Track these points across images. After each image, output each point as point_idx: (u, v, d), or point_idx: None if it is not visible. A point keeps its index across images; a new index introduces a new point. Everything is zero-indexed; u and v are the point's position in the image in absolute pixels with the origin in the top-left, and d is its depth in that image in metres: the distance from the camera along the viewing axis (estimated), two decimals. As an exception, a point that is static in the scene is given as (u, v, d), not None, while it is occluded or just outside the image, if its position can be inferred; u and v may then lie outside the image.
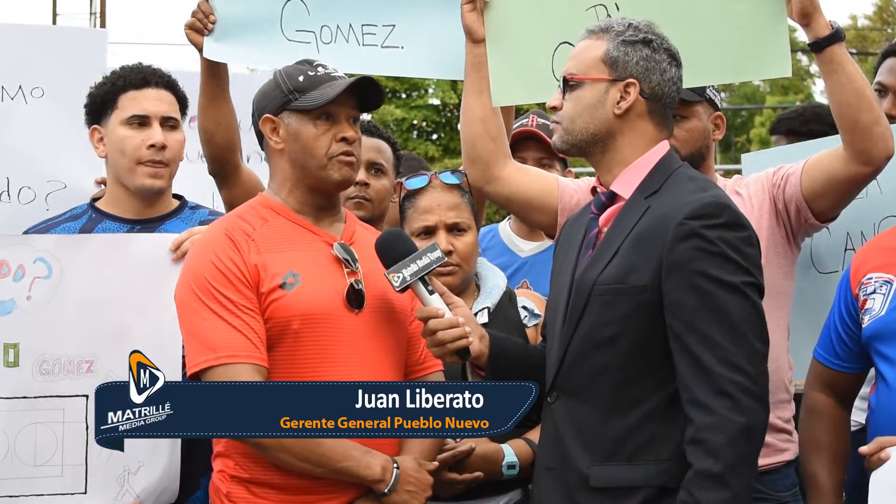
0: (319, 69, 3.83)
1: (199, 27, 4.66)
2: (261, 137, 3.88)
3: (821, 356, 3.94)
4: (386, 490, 3.62)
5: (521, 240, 5.31)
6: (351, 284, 3.74)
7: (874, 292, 3.77)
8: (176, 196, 4.58)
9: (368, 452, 3.63)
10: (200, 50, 4.66)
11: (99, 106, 4.47)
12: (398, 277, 3.62)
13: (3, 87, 5.07)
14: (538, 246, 5.20)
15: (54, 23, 34.75)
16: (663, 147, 3.63)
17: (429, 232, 4.23)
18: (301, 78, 3.80)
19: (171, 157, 4.42)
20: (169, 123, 4.44)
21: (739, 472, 3.28)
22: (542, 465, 3.63)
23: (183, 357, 4.03)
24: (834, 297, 3.97)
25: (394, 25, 4.69)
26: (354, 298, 3.73)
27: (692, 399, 3.33)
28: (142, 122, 4.40)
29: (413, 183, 4.34)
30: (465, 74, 4.45)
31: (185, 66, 5.51)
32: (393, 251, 3.67)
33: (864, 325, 3.77)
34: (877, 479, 3.35)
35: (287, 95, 3.79)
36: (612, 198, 3.61)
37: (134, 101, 4.42)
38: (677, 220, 3.39)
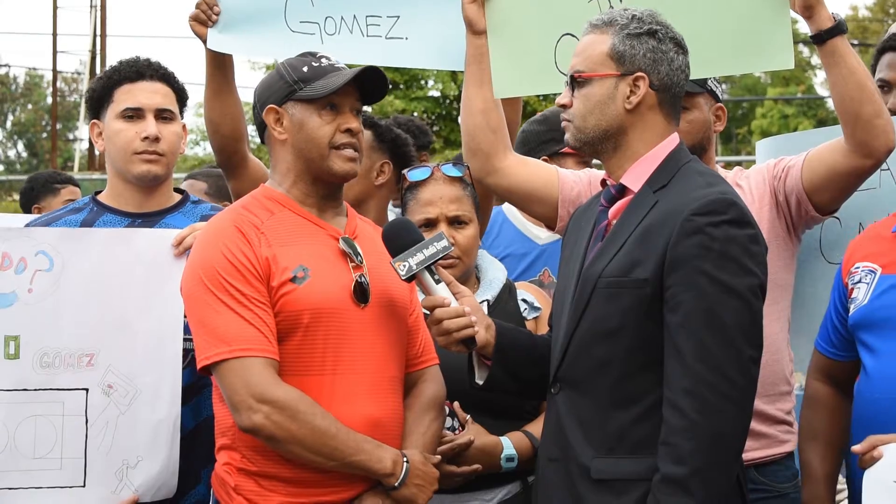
0: (323, 60, 3.83)
1: (203, 18, 4.67)
2: (261, 129, 3.87)
3: (819, 345, 3.98)
4: (396, 484, 3.63)
5: (536, 227, 5.30)
6: (357, 279, 3.74)
7: (860, 281, 3.79)
8: (178, 190, 4.58)
9: (380, 446, 3.64)
10: (205, 41, 4.66)
11: (97, 101, 4.47)
12: (404, 266, 3.63)
13: None
14: (554, 234, 5.20)
15: (54, 15, 34.74)
16: (673, 140, 3.62)
17: (430, 224, 4.23)
18: (305, 69, 3.80)
19: (167, 148, 4.38)
20: (163, 116, 4.41)
21: (706, 478, 3.29)
22: (544, 455, 3.63)
23: (184, 351, 4.06)
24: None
25: (398, 16, 4.69)
26: (360, 293, 3.73)
27: (669, 398, 3.34)
28: (135, 114, 4.38)
29: (415, 175, 4.34)
30: (466, 66, 4.44)
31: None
32: (400, 240, 3.68)
33: (850, 314, 3.80)
34: (870, 478, 3.35)
35: (292, 86, 3.78)
36: (622, 190, 3.61)
37: (128, 95, 4.40)
38: (684, 215, 3.39)
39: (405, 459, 3.66)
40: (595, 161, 5.28)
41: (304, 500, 3.64)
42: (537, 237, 5.27)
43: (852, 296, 3.80)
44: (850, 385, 3.96)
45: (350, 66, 3.91)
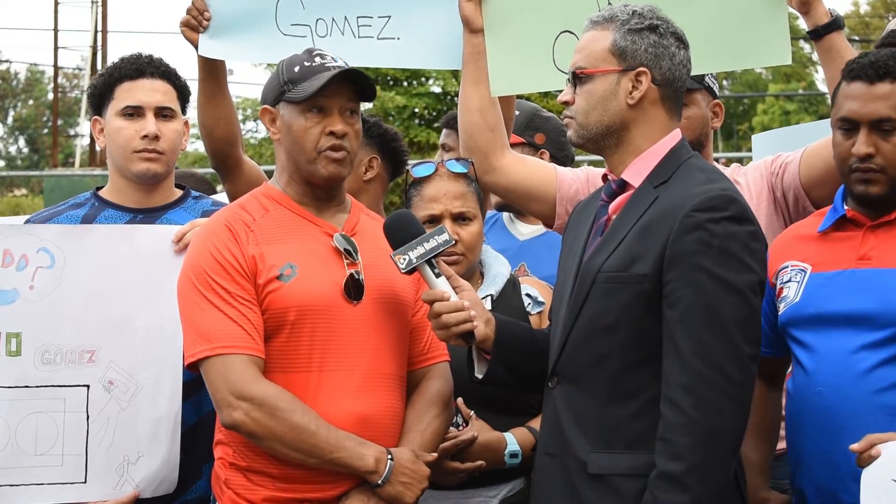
0: (317, 59, 3.81)
1: (194, 24, 4.66)
2: None
3: None
4: (379, 481, 3.62)
5: (521, 224, 5.32)
6: (350, 275, 3.74)
7: (790, 280, 3.81)
8: (179, 186, 4.59)
9: (363, 444, 3.64)
10: (196, 47, 4.66)
11: (98, 97, 4.48)
12: (404, 259, 3.63)
13: None
14: (536, 230, 5.21)
15: (55, 10, 34.73)
16: (675, 136, 3.63)
17: (434, 221, 4.21)
18: (297, 69, 3.79)
19: (167, 146, 4.39)
20: (164, 113, 4.41)
21: (702, 475, 3.29)
22: (542, 450, 3.64)
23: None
24: None
25: (389, 17, 4.68)
26: (353, 289, 3.74)
27: (667, 394, 3.35)
28: (135, 112, 4.39)
29: (419, 171, 4.32)
30: (464, 64, 4.45)
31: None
32: (401, 233, 3.68)
33: (779, 313, 3.82)
34: (868, 476, 3.35)
35: (282, 86, 3.79)
36: (623, 185, 3.61)
37: (128, 92, 4.40)
38: (684, 211, 3.39)
39: (389, 457, 3.64)
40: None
41: (291, 496, 3.66)
42: (520, 233, 5.30)
43: (782, 295, 3.82)
44: (778, 378, 4.03)
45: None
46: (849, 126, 3.74)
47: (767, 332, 3.87)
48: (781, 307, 3.81)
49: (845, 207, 3.80)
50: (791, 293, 3.79)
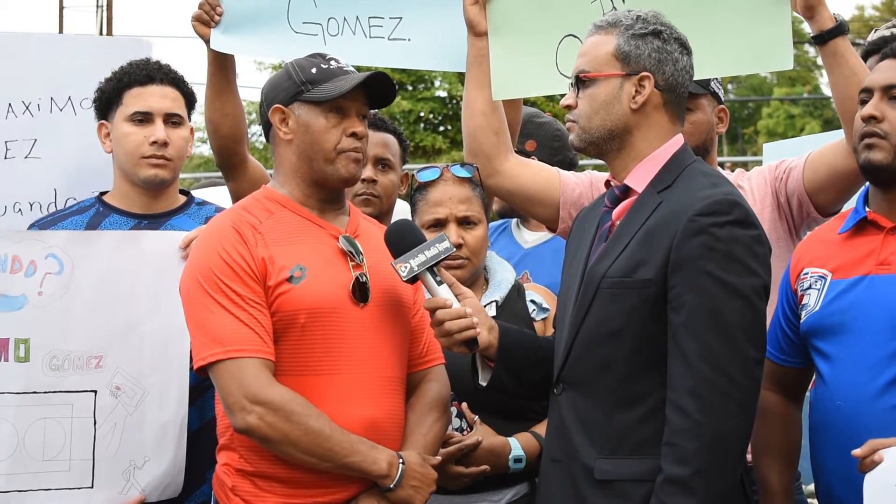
0: (332, 63, 3.84)
1: (206, 19, 4.68)
2: (267, 128, 3.88)
3: (769, 352, 3.82)
4: (391, 485, 3.63)
5: (527, 231, 5.32)
6: (356, 278, 3.74)
7: (810, 287, 3.77)
8: (183, 192, 4.60)
9: (375, 448, 3.64)
10: (207, 42, 4.68)
11: (106, 102, 4.49)
12: (405, 267, 3.63)
13: (52, 98, 4.99)
14: (541, 237, 5.21)
15: (61, 15, 34.72)
16: (678, 141, 3.63)
17: (439, 224, 4.23)
18: (314, 70, 3.80)
19: (174, 153, 4.42)
20: (172, 120, 4.44)
21: (709, 478, 3.29)
22: (548, 456, 3.64)
23: (190, 352, 4.06)
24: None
25: (401, 18, 4.71)
26: (360, 292, 3.74)
27: (672, 399, 3.34)
28: (144, 118, 4.41)
29: (425, 175, 4.34)
30: (468, 68, 4.46)
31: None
32: (402, 241, 3.69)
33: (801, 321, 3.78)
34: (871, 482, 3.33)
35: (299, 86, 3.79)
36: (626, 191, 3.62)
37: (138, 98, 4.42)
38: (688, 215, 3.39)
39: (401, 461, 3.66)
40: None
41: (300, 501, 3.65)
42: (524, 241, 5.29)
43: (803, 302, 3.77)
44: (800, 392, 3.97)
45: (355, 68, 3.92)
46: (867, 98, 3.69)
47: (792, 339, 3.86)
48: (803, 315, 3.77)
49: (866, 209, 3.74)
50: (811, 301, 3.74)
